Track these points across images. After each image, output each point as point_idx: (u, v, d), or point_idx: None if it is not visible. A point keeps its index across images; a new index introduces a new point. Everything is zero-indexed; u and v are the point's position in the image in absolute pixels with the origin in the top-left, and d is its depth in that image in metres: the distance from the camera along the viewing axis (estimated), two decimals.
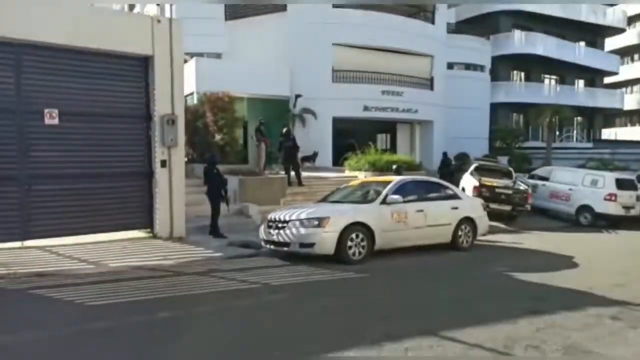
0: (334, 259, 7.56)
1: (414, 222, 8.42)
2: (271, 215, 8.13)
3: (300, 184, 13.35)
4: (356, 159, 15.11)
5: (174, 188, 9.49)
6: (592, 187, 14.69)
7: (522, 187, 14.73)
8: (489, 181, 14.71)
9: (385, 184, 8.69)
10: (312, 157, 18.63)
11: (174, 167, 9.50)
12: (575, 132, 34.99)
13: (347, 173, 15.27)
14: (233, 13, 22.49)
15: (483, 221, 9.68)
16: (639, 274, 7.79)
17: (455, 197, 9.39)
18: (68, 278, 6.62)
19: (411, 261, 8.10)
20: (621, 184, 14.46)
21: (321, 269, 7.24)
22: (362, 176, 13.72)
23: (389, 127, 24.93)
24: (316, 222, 7.48)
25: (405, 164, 14.33)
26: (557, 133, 33.99)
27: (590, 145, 31.75)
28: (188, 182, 11.68)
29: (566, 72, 32.80)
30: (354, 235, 7.62)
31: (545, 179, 16.25)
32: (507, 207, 14.18)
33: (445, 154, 18.99)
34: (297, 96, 20.12)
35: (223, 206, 9.98)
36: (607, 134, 39.67)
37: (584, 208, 14.64)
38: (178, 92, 9.55)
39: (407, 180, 9.13)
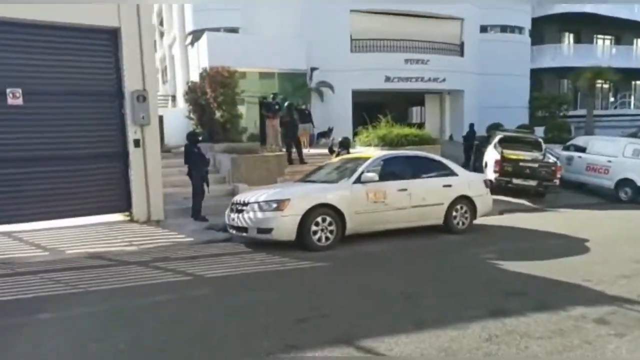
0: (298, 245, 6.82)
1: (395, 202, 7.50)
2: (235, 197, 7.47)
3: (302, 161, 12.61)
4: (366, 134, 14.14)
5: (149, 169, 9.02)
6: (634, 158, 13.00)
7: (552, 159, 13.27)
8: (513, 154, 13.38)
9: (366, 160, 7.79)
10: (327, 133, 17.78)
11: (148, 147, 9.01)
12: (632, 97, 31.81)
13: (358, 149, 14.32)
14: None
15: (484, 200, 8.58)
16: None
17: (449, 173, 8.31)
18: (10, 267, 6.30)
19: (388, 247, 7.20)
20: None
21: (279, 257, 6.52)
22: (371, 151, 12.77)
23: (417, 98, 23.57)
24: (275, 205, 6.72)
25: (417, 137, 13.20)
26: (612, 99, 31.14)
27: None
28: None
29: (622, 30, 29.67)
30: (319, 219, 6.82)
31: (583, 149, 14.60)
32: (533, 183, 12.84)
33: (471, 126, 17.59)
34: (313, 69, 19.22)
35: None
36: None
37: (624, 182, 13.03)
38: (149, 66, 8.98)
39: (389, 155, 8.15)
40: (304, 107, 18.00)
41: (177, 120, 18.57)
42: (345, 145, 10.61)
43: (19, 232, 8.10)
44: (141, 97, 8.82)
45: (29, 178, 8.32)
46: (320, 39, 19.26)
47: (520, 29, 24.77)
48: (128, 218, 9.14)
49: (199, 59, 20.16)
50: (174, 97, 26.51)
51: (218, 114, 13.48)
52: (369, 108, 19.45)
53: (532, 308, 4.64)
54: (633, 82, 31.00)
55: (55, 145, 8.53)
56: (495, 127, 18.37)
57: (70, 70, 8.54)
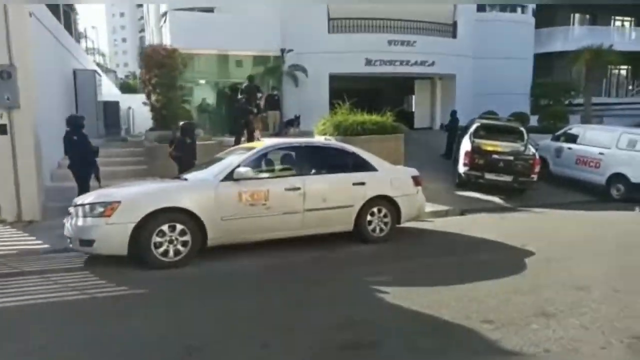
0: (137, 260, 5.30)
1: (282, 205, 5.90)
2: (77, 198, 5.99)
3: None
4: (323, 122, 12.48)
5: (20, 161, 7.67)
6: (629, 150, 11.05)
7: (531, 151, 11.42)
8: (487, 144, 11.58)
9: (250, 151, 6.21)
10: (294, 122, 16.17)
11: (17, 135, 7.65)
12: None
13: (316, 138, 12.71)
14: None
15: (412, 201, 6.87)
16: (604, 290, 4.77)
17: (364, 168, 6.64)
18: None
19: (258, 263, 5.56)
20: None
21: (97, 278, 4.99)
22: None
23: (408, 84, 21.69)
24: (100, 209, 5.21)
25: (376, 125, 11.47)
26: (630, 87, 28.58)
27: None
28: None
29: None
30: (165, 228, 5.28)
31: (575, 139, 12.68)
32: (508, 178, 11.05)
33: (453, 113, 15.77)
34: (283, 51, 17.60)
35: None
36: None
37: (617, 177, 11.12)
38: (18, 37, 7.56)
39: (280, 145, 6.52)
40: (274, 92, 16.56)
41: (143, 107, 17.37)
42: (187, 131, 8.65)
43: None
44: (5, 74, 7.44)
45: None
46: (296, 19, 17.60)
47: (523, 7, 22.49)
48: None
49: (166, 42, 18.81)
50: None
51: (153, 98, 12.02)
52: (353, 95, 17.72)
53: None
54: None
55: None
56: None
57: None
